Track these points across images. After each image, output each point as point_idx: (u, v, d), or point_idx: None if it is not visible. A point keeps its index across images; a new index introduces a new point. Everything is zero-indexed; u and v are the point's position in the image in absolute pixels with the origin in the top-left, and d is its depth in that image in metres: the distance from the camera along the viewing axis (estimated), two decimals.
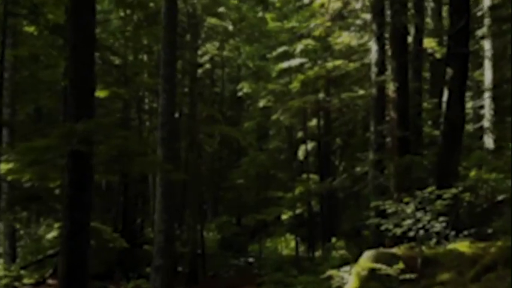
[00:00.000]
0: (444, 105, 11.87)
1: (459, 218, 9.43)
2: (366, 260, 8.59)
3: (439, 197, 8.56)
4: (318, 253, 21.59)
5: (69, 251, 7.08)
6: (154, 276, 12.65)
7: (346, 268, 9.28)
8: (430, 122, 19.38)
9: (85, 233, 7.29)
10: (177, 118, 21.20)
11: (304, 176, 22.84)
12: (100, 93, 14.95)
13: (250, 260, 21.60)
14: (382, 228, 9.41)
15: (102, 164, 7.31)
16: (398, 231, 9.00)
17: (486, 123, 18.94)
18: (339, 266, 14.27)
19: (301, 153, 24.66)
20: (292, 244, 22.96)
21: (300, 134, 24.63)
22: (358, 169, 12.23)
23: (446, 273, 7.67)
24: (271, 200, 20.81)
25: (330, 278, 9.50)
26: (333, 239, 22.98)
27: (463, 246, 8.53)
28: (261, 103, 21.96)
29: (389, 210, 9.07)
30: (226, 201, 26.35)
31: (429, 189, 8.48)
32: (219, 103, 27.79)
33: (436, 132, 17.65)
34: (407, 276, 7.88)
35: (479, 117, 20.83)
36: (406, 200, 8.65)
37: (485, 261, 6.82)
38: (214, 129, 21.58)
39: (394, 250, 8.68)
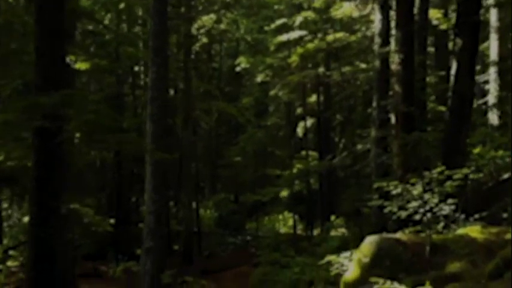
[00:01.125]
0: (452, 79, 10.95)
1: (468, 200, 8.56)
2: (368, 246, 7.76)
3: (449, 177, 7.68)
4: (316, 231, 20.88)
5: (36, 240, 6.24)
6: (144, 259, 11.89)
7: (346, 254, 8.45)
8: (433, 98, 18.46)
9: (55, 218, 6.44)
10: (172, 94, 20.34)
11: (303, 153, 22.01)
12: (81, 66, 13.95)
13: (248, 238, 20.89)
14: (386, 210, 8.57)
15: (72, 142, 6.42)
16: (403, 214, 8.15)
17: (491, 99, 18.01)
18: (338, 248, 13.56)
19: (300, 130, 23.78)
20: (291, 222, 22.25)
21: (299, 110, 23.69)
22: (359, 147, 11.35)
23: (457, 262, 6.85)
24: (269, 178, 19.99)
25: (329, 263, 8.69)
26: (332, 217, 22.28)
27: (474, 231, 7.71)
28: (259, 78, 21.00)
29: (394, 192, 8.21)
30: (224, 179, 25.55)
31: (438, 169, 7.59)
32: (217, 79, 26.80)
33: (441, 108, 16.75)
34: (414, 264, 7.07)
35: (483, 93, 19.87)
36: (413, 180, 7.77)
37: (506, 253, 5.96)
38: (210, 105, 20.66)
39: (399, 235, 7.85)
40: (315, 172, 12.60)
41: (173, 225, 21.14)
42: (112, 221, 20.92)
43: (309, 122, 23.08)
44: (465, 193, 8.27)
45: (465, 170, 7.67)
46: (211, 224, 23.93)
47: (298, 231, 22.20)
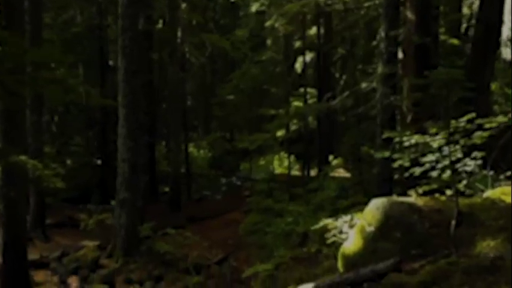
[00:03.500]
0: (477, 5, 8.86)
1: (501, 154, 6.76)
2: (374, 211, 6.06)
3: (479, 127, 5.85)
4: (313, 171, 19.29)
5: None
6: (119, 211, 10.34)
7: (346, 218, 6.76)
8: (443, 30, 16.28)
9: None
10: (155, 26, 18.08)
11: (301, 90, 20.04)
12: None
13: (241, 181, 19.34)
14: (395, 165, 6.81)
15: None
16: (418, 170, 6.39)
17: (505, 31, 15.85)
18: (336, 198, 11.96)
19: (298, 66, 21.65)
20: (287, 163, 20.60)
21: (297, 44, 21.44)
22: (363, 85, 9.40)
23: (490, 238, 5.14)
24: (265, 118, 18.12)
25: (326, 229, 7.03)
26: (331, 157, 20.65)
27: (507, 193, 5.94)
28: (254, 7, 18.64)
29: (407, 143, 6.41)
30: (217, 118, 23.75)
31: (467, 116, 5.75)
32: (212, 10, 24.38)
33: (454, 41, 14.65)
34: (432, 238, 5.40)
35: None
36: (433, 130, 5.95)
37: None
38: (202, 38, 18.45)
39: (413, 199, 6.11)
40: (313, 112, 10.87)
41: (164, 166, 19.63)
42: (99, 161, 19.46)
43: (308, 56, 20.91)
44: (499, 145, 6.45)
45: (501, 119, 5.81)
46: (205, 164, 22.37)
47: (295, 172, 20.67)
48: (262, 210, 13.72)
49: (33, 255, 10.39)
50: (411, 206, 5.87)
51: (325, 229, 11.14)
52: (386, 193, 8.98)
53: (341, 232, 6.64)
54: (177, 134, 15.93)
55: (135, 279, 9.67)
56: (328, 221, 6.83)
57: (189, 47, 18.36)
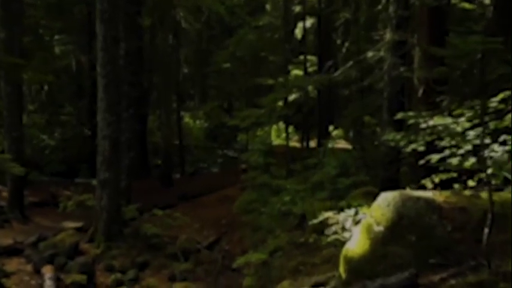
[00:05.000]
0: None
1: None
2: (384, 207, 4.99)
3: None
4: (313, 142, 18.19)
5: None
6: (100, 193, 9.28)
7: (349, 212, 5.68)
8: None
9: None
10: None
11: (301, 58, 18.73)
12: None
13: (237, 154, 18.26)
14: (407, 149, 5.71)
15: None
16: (435, 157, 5.29)
17: None
18: (336, 177, 10.87)
19: (298, 32, 20.25)
20: (285, 134, 19.44)
21: (297, 9, 19.98)
22: (370, 54, 8.18)
23: None
24: (263, 86, 16.92)
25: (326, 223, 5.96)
26: (331, 127, 19.51)
27: None
28: None
29: (424, 125, 5.30)
30: (214, 87, 22.50)
31: (501, 95, 4.61)
32: None
33: (467, 5, 13.26)
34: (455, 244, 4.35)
35: None
36: (457, 111, 4.83)
37: None
38: (195, 2, 17.04)
39: (430, 194, 5.02)
40: (312, 85, 9.72)
41: (158, 138, 18.53)
42: (89, 132, 18.35)
43: (309, 22, 19.51)
44: None
45: None
46: (201, 136, 21.26)
47: (294, 144, 19.58)
48: (258, 187, 12.68)
49: (7, 239, 9.43)
50: (429, 203, 4.80)
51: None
52: (393, 177, 7.93)
53: (343, 228, 5.57)
54: (168, 104, 14.75)
55: (117, 267, 8.69)
56: (328, 214, 5.75)
57: (182, 11, 17.00)
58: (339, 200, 10.01)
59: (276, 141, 20.39)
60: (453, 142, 5.29)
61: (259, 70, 18.76)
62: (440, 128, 5.32)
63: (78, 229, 10.09)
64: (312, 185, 10.92)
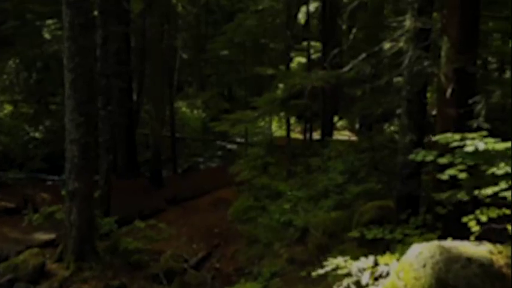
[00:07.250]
0: None
1: None
2: (418, 268, 3.45)
3: None
4: (316, 134, 16.66)
5: None
6: (69, 205, 7.81)
7: (367, 260, 4.14)
8: None
9: None
10: None
11: (304, 44, 17.09)
12: None
13: (236, 146, 16.74)
14: (443, 177, 4.19)
15: None
16: (487, 191, 3.80)
17: None
18: (343, 185, 9.35)
19: (301, 16, 18.59)
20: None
21: None
22: (386, 46, 6.55)
23: None
24: (263, 78, 15.34)
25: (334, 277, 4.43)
26: (335, 118, 17.96)
27: None
28: None
29: (470, 148, 3.80)
30: (210, 76, 20.91)
31: None
32: None
33: None
34: None
35: None
36: None
37: None
38: None
39: (485, 249, 3.48)
40: (317, 83, 8.11)
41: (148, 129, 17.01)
42: None
43: (312, 6, 17.80)
44: None
45: None
46: (198, 126, 19.71)
47: (296, 135, 18.06)
48: (257, 190, 11.19)
49: None
50: (486, 268, 3.26)
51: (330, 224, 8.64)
52: (414, 193, 6.39)
53: (358, 284, 4.05)
54: (158, 94, 13.16)
55: None
56: (337, 262, 4.22)
57: None
58: (345, 208, 8.56)
59: (278, 132, 18.87)
60: (507, 168, 3.78)
61: (260, 58, 17.11)
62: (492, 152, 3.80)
63: (49, 242, 8.68)
64: (315, 192, 9.43)
